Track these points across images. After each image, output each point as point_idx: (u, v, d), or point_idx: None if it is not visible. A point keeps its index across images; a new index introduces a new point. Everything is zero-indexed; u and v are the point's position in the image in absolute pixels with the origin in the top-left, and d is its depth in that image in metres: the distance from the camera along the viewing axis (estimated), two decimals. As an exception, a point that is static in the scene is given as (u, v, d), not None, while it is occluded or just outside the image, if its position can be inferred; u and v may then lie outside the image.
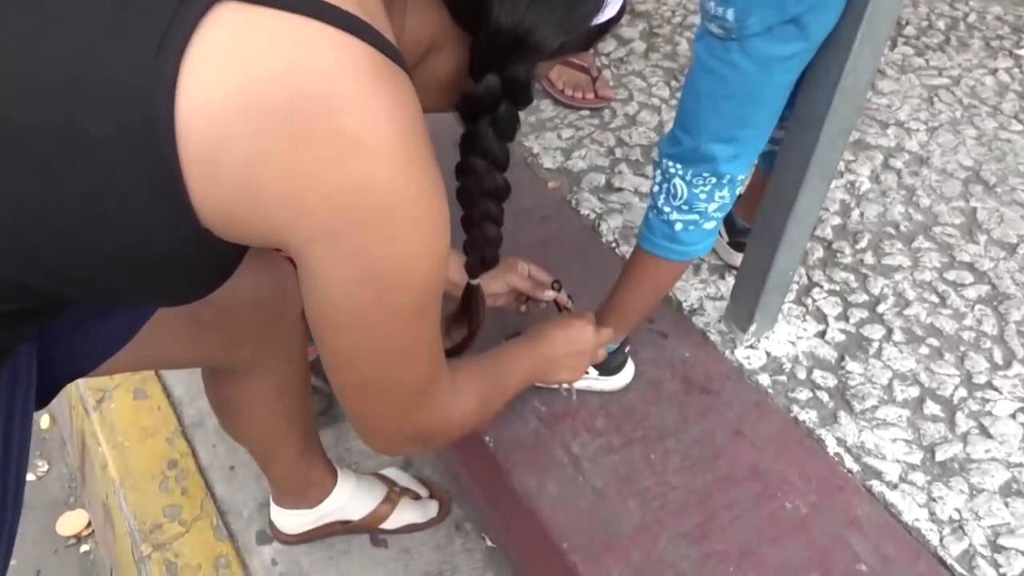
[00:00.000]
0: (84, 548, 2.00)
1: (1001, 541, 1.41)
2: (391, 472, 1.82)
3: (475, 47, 0.86)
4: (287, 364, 1.39)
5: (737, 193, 1.32)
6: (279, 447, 1.53)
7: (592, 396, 1.60)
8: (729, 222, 1.82)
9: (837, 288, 1.84)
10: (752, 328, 1.66)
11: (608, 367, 1.57)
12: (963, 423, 1.58)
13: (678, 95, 2.38)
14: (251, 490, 1.85)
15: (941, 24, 2.76)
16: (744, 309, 1.65)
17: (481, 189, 0.96)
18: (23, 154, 0.70)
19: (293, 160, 0.69)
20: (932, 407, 1.61)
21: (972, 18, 2.80)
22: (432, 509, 1.77)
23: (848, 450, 1.52)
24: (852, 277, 1.87)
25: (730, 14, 1.11)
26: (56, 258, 0.76)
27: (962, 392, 1.64)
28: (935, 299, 1.82)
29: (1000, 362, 1.69)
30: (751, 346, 1.70)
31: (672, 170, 1.29)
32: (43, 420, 2.28)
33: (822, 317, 1.78)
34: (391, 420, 0.95)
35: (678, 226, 1.33)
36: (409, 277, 0.79)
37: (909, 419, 1.58)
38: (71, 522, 2.04)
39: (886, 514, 1.44)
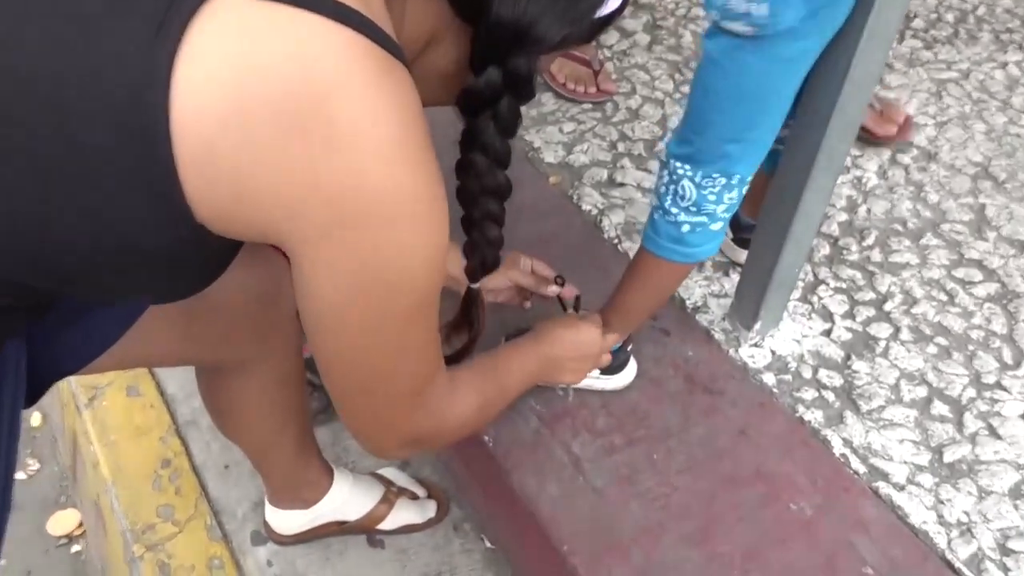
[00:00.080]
0: (75, 548, 2.00)
1: (1011, 544, 1.40)
2: (388, 472, 1.82)
3: (476, 40, 0.85)
4: (282, 361, 1.38)
5: (744, 193, 1.32)
6: (274, 446, 1.53)
7: (593, 395, 1.59)
8: (734, 219, 1.81)
9: (843, 286, 1.84)
10: (757, 326, 1.66)
11: (610, 366, 1.56)
12: (972, 424, 1.58)
13: (682, 89, 2.39)
14: (246, 490, 1.85)
15: (950, 17, 2.76)
16: (749, 307, 1.65)
17: (482, 187, 0.95)
18: (18, 154, 0.70)
19: (289, 157, 0.69)
20: (940, 407, 1.60)
21: (981, 11, 2.80)
22: (430, 509, 1.77)
23: (854, 451, 1.52)
24: (859, 274, 1.86)
25: (764, 9, 1.09)
26: (52, 257, 0.76)
27: (971, 392, 1.63)
28: (943, 297, 1.82)
29: (1010, 361, 1.69)
30: (756, 344, 1.69)
31: (680, 171, 1.28)
32: (34, 418, 2.28)
33: (828, 315, 1.77)
34: (387, 423, 0.95)
35: (685, 228, 1.32)
36: (407, 278, 0.79)
37: (916, 419, 1.58)
38: (62, 522, 2.04)
39: (893, 516, 1.44)
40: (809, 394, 1.61)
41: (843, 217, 2.01)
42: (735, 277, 1.80)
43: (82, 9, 0.68)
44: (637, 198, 2.02)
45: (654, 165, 2.12)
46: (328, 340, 0.85)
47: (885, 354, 1.69)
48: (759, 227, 1.55)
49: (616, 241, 1.92)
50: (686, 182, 1.28)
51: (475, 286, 1.24)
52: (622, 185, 2.07)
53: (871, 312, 1.78)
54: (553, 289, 1.48)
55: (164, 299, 0.97)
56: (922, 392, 1.63)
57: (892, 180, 2.12)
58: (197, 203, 0.71)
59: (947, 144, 2.23)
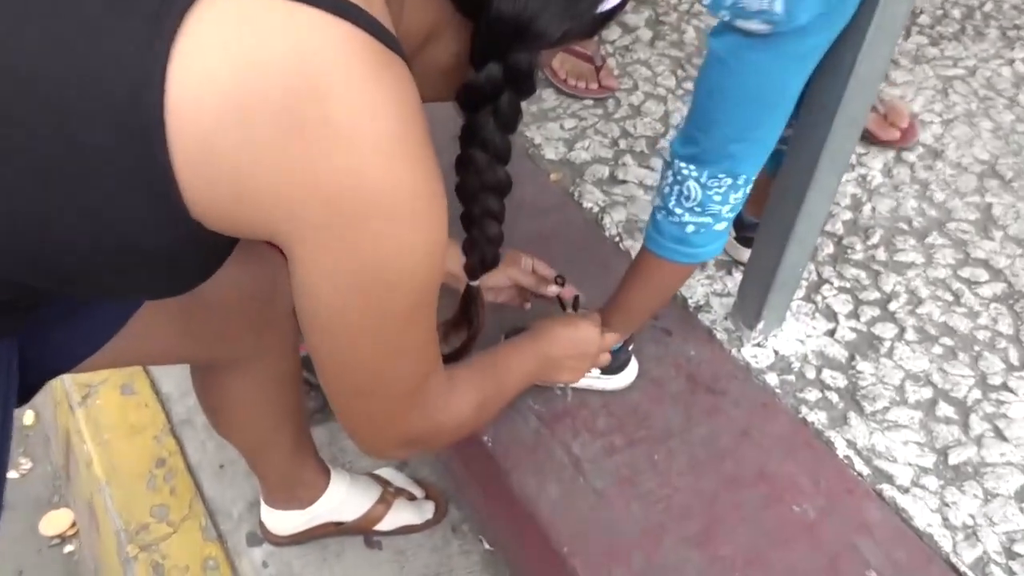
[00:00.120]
0: (68, 548, 2.00)
1: (1016, 548, 1.40)
2: (386, 472, 1.81)
3: (476, 35, 0.85)
4: (278, 359, 1.38)
5: (749, 193, 1.31)
6: (270, 446, 1.53)
7: (594, 395, 1.59)
8: (736, 217, 1.82)
9: (848, 285, 1.84)
10: (760, 326, 1.65)
11: (611, 365, 1.56)
12: (977, 425, 1.57)
13: (685, 85, 2.39)
14: (241, 490, 1.85)
15: (956, 13, 2.75)
16: (751, 306, 1.64)
17: (482, 183, 0.95)
18: (18, 154, 0.70)
19: (285, 152, 0.69)
20: (945, 409, 1.60)
21: (988, 7, 2.79)
22: (428, 510, 1.77)
23: (858, 452, 1.52)
24: (863, 274, 1.86)
25: (779, 6, 1.08)
26: (52, 257, 0.76)
27: (976, 393, 1.63)
28: (949, 297, 1.82)
29: (1016, 363, 1.69)
30: (758, 344, 1.69)
31: (685, 171, 1.27)
32: (27, 416, 2.28)
33: (832, 315, 1.77)
34: (384, 423, 0.95)
35: (690, 228, 1.32)
36: (406, 276, 0.79)
37: (921, 421, 1.58)
38: (55, 522, 2.03)
39: (897, 519, 1.44)
40: (812, 395, 1.61)
41: (847, 216, 2.01)
42: (738, 276, 1.80)
43: (82, 8, 0.68)
44: (639, 195, 2.02)
45: (656, 162, 2.11)
46: (325, 339, 0.84)
47: (890, 355, 1.69)
48: (762, 225, 1.55)
49: (617, 239, 1.92)
50: (691, 183, 1.27)
51: (474, 284, 1.23)
52: (624, 182, 2.06)
53: (876, 312, 1.78)
54: (553, 289, 1.48)
55: (158, 295, 0.97)
56: (927, 393, 1.63)
57: (897, 178, 2.12)
58: (193, 202, 0.71)
59: (953, 142, 2.23)
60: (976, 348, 1.71)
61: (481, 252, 1.07)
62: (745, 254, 1.74)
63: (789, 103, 1.21)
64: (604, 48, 2.50)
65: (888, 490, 1.47)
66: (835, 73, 1.25)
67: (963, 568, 1.38)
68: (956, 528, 1.43)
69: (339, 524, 1.70)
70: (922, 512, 1.44)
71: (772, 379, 1.64)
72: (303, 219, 0.72)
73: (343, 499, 1.68)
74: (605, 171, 2.10)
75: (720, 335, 1.71)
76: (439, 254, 0.80)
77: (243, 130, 0.68)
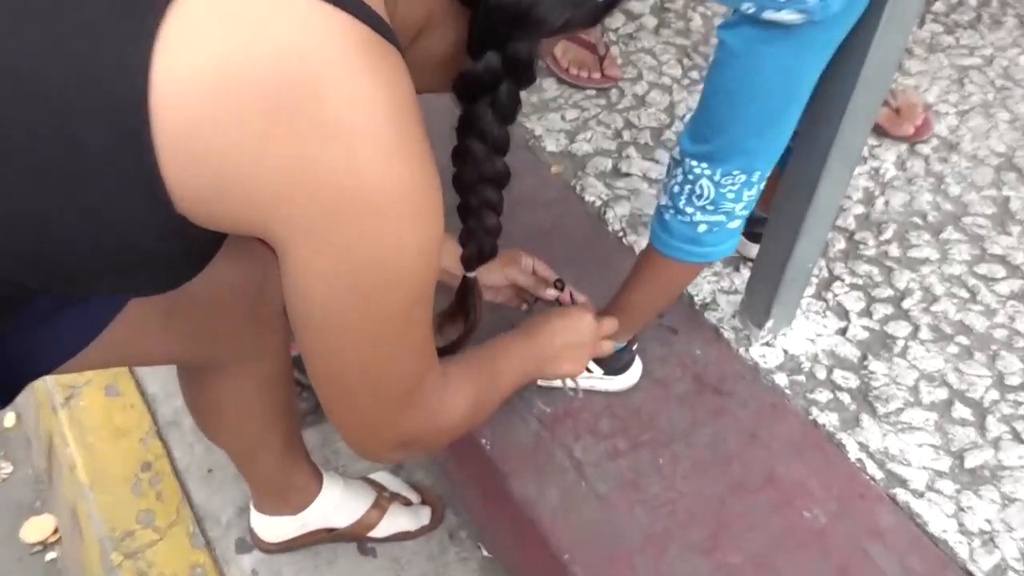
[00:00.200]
0: (50, 556, 1.99)
1: (1034, 554, 1.41)
2: (381, 476, 1.81)
3: (474, 23, 0.85)
4: (268, 359, 1.38)
5: (763, 190, 1.31)
6: (260, 449, 1.53)
7: (596, 397, 1.59)
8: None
9: (860, 282, 1.84)
10: (768, 324, 1.65)
11: (614, 366, 1.56)
12: (994, 427, 1.57)
13: (691, 74, 2.39)
14: (230, 495, 1.85)
15: (972, 0, 2.75)
16: (760, 304, 1.64)
17: (479, 175, 0.95)
18: (18, 154, 0.70)
19: (274, 145, 0.68)
20: (961, 410, 1.60)
21: (1006, -7, 2.79)
22: (424, 516, 1.77)
23: (871, 456, 1.52)
24: (876, 270, 1.86)
25: None
26: (52, 257, 0.77)
27: (993, 394, 1.63)
28: (965, 294, 1.82)
29: (1034, 362, 1.69)
30: (767, 343, 1.69)
31: (698, 170, 1.27)
32: (7, 418, 2.27)
33: (843, 313, 1.77)
34: (378, 424, 0.95)
35: (702, 228, 1.32)
36: (399, 274, 0.79)
37: (936, 423, 1.58)
38: (37, 528, 2.03)
39: (911, 525, 1.44)
40: (823, 396, 1.61)
41: (859, 210, 2.01)
42: (746, 273, 1.80)
43: (83, 8, 0.68)
44: (643, 189, 2.02)
45: (661, 155, 2.11)
46: (317, 339, 0.84)
47: (903, 354, 1.69)
48: (771, 220, 1.55)
49: (621, 234, 1.91)
50: (704, 181, 1.27)
51: (471, 275, 1.23)
52: (627, 175, 2.06)
53: (889, 310, 1.78)
54: (552, 293, 1.48)
55: (143, 293, 0.97)
56: (942, 394, 1.63)
57: (911, 171, 2.11)
58: (179, 197, 0.71)
59: (969, 134, 2.23)
60: (993, 347, 1.71)
61: (479, 243, 1.07)
62: (753, 250, 1.74)
63: (806, 96, 1.21)
64: (607, 36, 2.50)
65: (902, 495, 1.47)
66: (847, 62, 1.25)
67: (979, 576, 1.38)
68: (973, 534, 1.43)
69: (332, 530, 1.70)
70: (937, 517, 1.44)
71: (781, 380, 1.64)
72: (295, 217, 0.72)
73: (336, 504, 1.68)
74: (608, 163, 2.10)
75: (727, 334, 1.71)
76: (436, 250, 0.80)
77: (230, 125, 0.68)
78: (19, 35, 0.68)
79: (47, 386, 2.08)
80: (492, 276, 1.44)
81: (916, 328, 1.74)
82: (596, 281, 1.58)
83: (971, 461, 1.52)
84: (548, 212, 1.96)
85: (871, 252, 1.90)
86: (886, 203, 2.03)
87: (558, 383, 1.55)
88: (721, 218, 1.30)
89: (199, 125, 0.68)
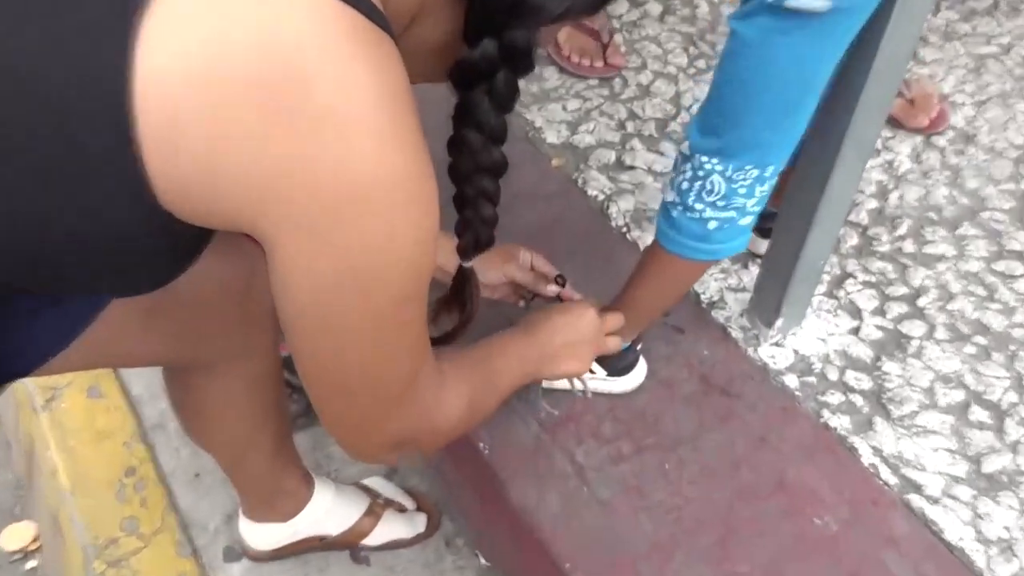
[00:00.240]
0: (30, 564, 1.99)
1: (1055, 563, 1.40)
2: (374, 482, 1.81)
3: (470, 10, 0.85)
4: (257, 359, 1.38)
5: (775, 185, 1.31)
6: (249, 453, 1.52)
7: (599, 399, 1.59)
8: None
9: (873, 279, 1.83)
10: (778, 323, 1.65)
11: (617, 366, 1.56)
12: (1013, 431, 1.57)
13: (697, 63, 2.39)
14: (218, 501, 1.84)
15: (990, -14, 2.76)
16: (769, 302, 1.64)
17: (476, 165, 0.95)
18: (17, 155, 0.70)
19: (261, 136, 0.68)
20: (979, 413, 1.60)
21: (1025, -21, 2.79)
22: (420, 523, 1.77)
23: (884, 460, 1.52)
24: (890, 267, 1.86)
25: None
26: (18, 250, 0.76)
27: (1012, 396, 1.63)
28: (982, 292, 1.81)
29: (1054, 363, 1.69)
30: (777, 343, 1.69)
31: (708, 165, 1.26)
32: (-14, 421, 2.28)
33: (856, 312, 1.77)
34: (372, 424, 0.95)
35: (712, 224, 1.31)
36: (393, 268, 0.78)
37: (953, 426, 1.58)
38: (16, 535, 2.03)
39: (927, 532, 1.44)
40: (835, 398, 1.61)
41: (873, 204, 2.01)
42: (755, 270, 1.79)
43: (83, 8, 0.68)
44: (647, 182, 2.02)
45: (666, 147, 2.11)
46: (307, 338, 0.84)
47: (919, 354, 1.69)
48: (781, 215, 1.55)
49: (624, 229, 1.91)
50: (715, 176, 1.26)
51: (468, 265, 1.22)
52: (631, 168, 2.06)
53: (903, 308, 1.78)
54: (552, 289, 1.47)
55: (125, 293, 0.96)
56: (959, 396, 1.63)
57: (927, 164, 2.11)
58: (164, 191, 0.71)
59: (986, 125, 2.23)
60: (1012, 347, 1.71)
61: (475, 233, 1.07)
62: (763, 246, 1.74)
63: (822, 87, 1.21)
64: (611, 23, 2.50)
65: (917, 501, 1.47)
66: (859, 51, 1.24)
67: (998, 585, 1.38)
68: (990, 542, 1.42)
69: (323, 538, 1.70)
70: (953, 525, 1.44)
71: (791, 381, 1.63)
72: (283, 211, 0.72)
73: (328, 511, 1.67)
74: (611, 156, 2.09)
75: (735, 333, 1.71)
76: (430, 243, 0.80)
77: (216, 118, 0.67)
78: (19, 35, 0.68)
79: (27, 388, 2.08)
80: (490, 274, 1.44)
81: (932, 327, 1.74)
82: (598, 278, 1.58)
83: (989, 466, 1.52)
84: (549, 206, 1.95)
85: (885, 248, 1.90)
86: (900, 197, 2.02)
87: (564, 384, 1.55)
88: (732, 214, 1.30)
89: (183, 118, 0.67)
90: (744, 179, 1.25)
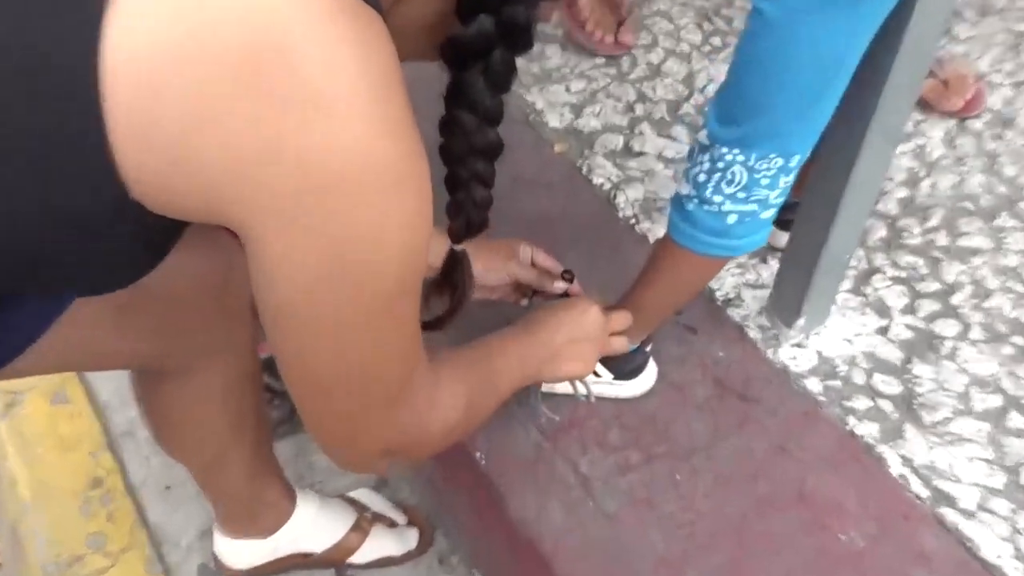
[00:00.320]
0: (-11, 583, 2.00)
1: (1099, 582, 1.41)
2: (362, 494, 1.81)
3: None
4: (234, 360, 1.38)
5: (798, 176, 1.30)
6: (225, 463, 1.52)
7: (605, 404, 1.59)
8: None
9: (903, 275, 1.84)
10: (800, 322, 1.65)
11: (625, 369, 1.56)
12: (1054, 439, 1.58)
13: (712, 40, 2.39)
14: (192, 515, 1.85)
15: (1030, -44, 2.75)
16: (790, 299, 1.64)
17: (469, 146, 0.95)
18: (17, 154, 0.70)
19: (240, 118, 0.68)
20: (1017, 419, 1.60)
21: (1068, -51, 2.79)
22: (411, 539, 1.77)
23: (915, 471, 1.52)
24: (921, 261, 1.86)
25: None
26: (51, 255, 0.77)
27: (1053, 401, 1.63)
28: (1021, 289, 1.81)
29: (1099, 366, 1.69)
30: (798, 344, 1.69)
31: (729, 156, 1.26)
32: (-59, 429, 2.28)
33: (884, 310, 1.77)
34: (362, 430, 0.95)
35: (732, 218, 1.31)
36: (386, 259, 0.79)
37: (990, 434, 1.58)
38: (-26, 552, 2.04)
39: (960, 549, 1.44)
40: (861, 403, 1.61)
41: (903, 193, 2.01)
42: (774, 264, 1.79)
43: None
44: (658, 170, 2.02)
45: (678, 131, 2.11)
46: (291, 337, 0.84)
47: (952, 356, 1.69)
48: (803, 205, 1.55)
49: (632, 221, 1.91)
50: (737, 167, 1.26)
51: (459, 247, 1.22)
52: (640, 155, 2.06)
53: (936, 306, 1.78)
54: (560, 285, 1.47)
55: (85, 291, 0.96)
56: (996, 401, 1.63)
57: (961, 150, 2.11)
58: (133, 180, 0.71)
59: (1026, 107, 2.23)
60: (1053, 348, 1.71)
61: (467, 216, 1.07)
62: (783, 239, 1.74)
63: (852, 68, 1.20)
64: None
65: (950, 515, 1.47)
66: (887, 28, 1.24)
67: (1037, 606, 1.38)
68: (1029, 559, 1.43)
69: (307, 555, 1.70)
70: (989, 541, 1.44)
71: (814, 385, 1.64)
72: (265, 200, 0.72)
73: (311, 526, 1.67)
74: (618, 141, 2.10)
75: (753, 333, 1.71)
76: (423, 232, 0.80)
77: (190, 97, 0.67)
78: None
79: (-15, 392, 2.08)
80: (490, 275, 1.43)
81: (966, 327, 1.74)
82: (604, 274, 1.58)
83: (1028, 477, 1.52)
84: (550, 196, 1.95)
85: (916, 241, 1.90)
86: (932, 186, 2.02)
87: (566, 388, 1.55)
88: (753, 207, 1.29)
89: (155, 98, 0.67)
90: (768, 169, 1.25)
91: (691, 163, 1.31)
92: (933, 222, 1.94)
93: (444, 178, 1.00)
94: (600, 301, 1.37)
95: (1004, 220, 1.94)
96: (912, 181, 2.04)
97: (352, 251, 0.76)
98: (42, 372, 1.16)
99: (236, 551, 1.68)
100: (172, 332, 1.26)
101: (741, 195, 1.27)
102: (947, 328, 1.73)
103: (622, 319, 1.40)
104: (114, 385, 2.07)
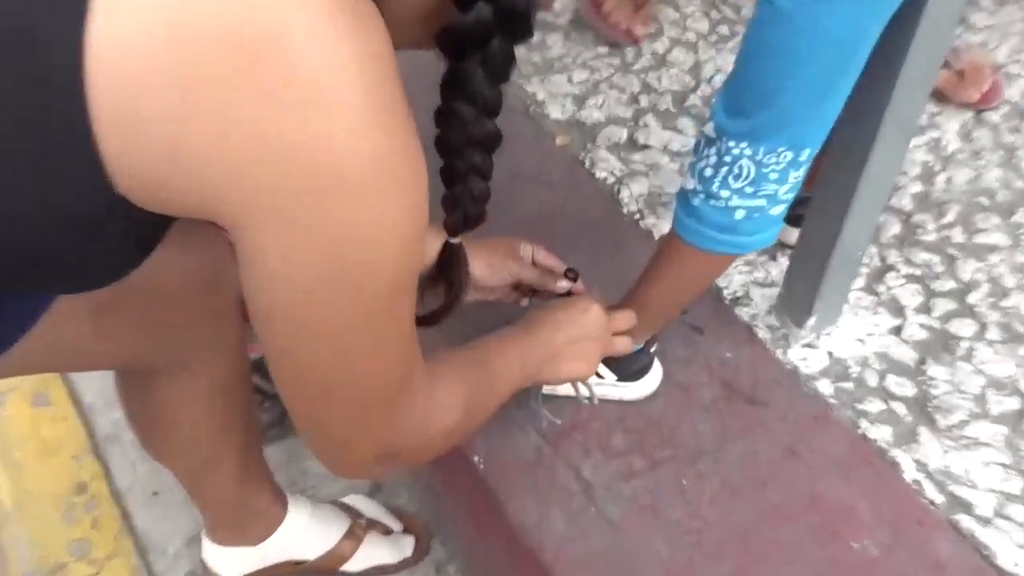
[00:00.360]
0: (-31, 592, 2.00)
1: (1120, 591, 1.41)
2: (355, 500, 1.81)
3: None
4: (222, 362, 1.38)
5: (809, 170, 1.30)
6: (213, 468, 1.52)
7: (609, 407, 1.59)
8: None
9: (917, 272, 1.84)
10: (810, 322, 1.65)
11: (629, 370, 1.56)
12: (1074, 443, 1.58)
13: (719, 29, 2.39)
14: (179, 521, 1.85)
15: (1050, -59, 2.75)
16: (801, 298, 1.65)
17: (466, 138, 0.95)
18: (18, 154, 0.70)
19: (231, 112, 0.68)
20: (1035, 423, 1.60)
21: (1090, -66, 2.79)
22: (407, 547, 1.77)
23: (930, 476, 1.52)
24: (936, 259, 1.86)
25: None
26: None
27: (1073, 404, 1.63)
28: (1040, 287, 1.82)
29: (1121, 367, 1.69)
30: (809, 345, 1.69)
31: (737, 150, 1.26)
32: (-81, 432, 2.28)
33: (898, 309, 1.77)
34: (357, 435, 0.95)
35: (739, 214, 1.31)
36: (383, 258, 0.79)
37: (1007, 438, 1.58)
38: (-47, 559, 2.04)
39: (977, 557, 1.44)
40: (874, 406, 1.61)
41: (917, 188, 2.01)
42: (784, 261, 1.80)
43: None
44: (663, 163, 2.02)
45: (684, 123, 2.11)
46: (283, 338, 0.84)
47: (968, 357, 1.69)
48: (815, 201, 1.55)
49: (637, 216, 1.91)
50: (744, 161, 1.26)
51: (455, 240, 1.23)
52: (645, 148, 2.06)
53: (951, 305, 1.78)
54: (563, 285, 1.46)
55: (69, 289, 0.96)
56: (1014, 404, 1.63)
57: (977, 143, 2.11)
58: (115, 161, 0.70)
59: (1046, 98, 2.23)
60: (1073, 349, 1.72)
61: (464, 209, 1.07)
62: (794, 235, 1.74)
63: (864, 58, 1.20)
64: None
65: (966, 521, 1.47)
66: (901, 16, 1.24)
67: (1056, 616, 1.38)
68: (1048, 568, 1.43)
69: (298, 563, 1.70)
70: (1006, 548, 1.44)
71: (825, 387, 1.64)
72: (249, 188, 0.72)
73: (303, 533, 1.67)
74: (622, 134, 2.10)
75: (762, 333, 1.71)
76: (418, 228, 0.80)
77: (178, 88, 0.67)
78: None
79: (-36, 394, 2.08)
80: (492, 276, 1.43)
81: (983, 327, 1.74)
82: (608, 272, 1.58)
83: (1047, 482, 1.53)
84: (552, 191, 1.95)
85: (931, 237, 1.90)
86: (948, 180, 2.02)
87: (567, 390, 1.55)
88: (761, 203, 1.29)
89: (142, 86, 0.67)
90: (776, 163, 1.25)
91: (697, 157, 1.31)
92: (949, 218, 1.94)
93: (440, 170, 1.00)
94: (602, 299, 1.37)
95: (1022, 216, 1.94)
96: (927, 175, 2.04)
97: (352, 250, 0.76)
98: (24, 373, 1.16)
99: (225, 559, 1.68)
100: (157, 330, 1.26)
101: (749, 190, 1.27)
102: (963, 328, 1.74)
103: (625, 318, 1.40)
104: (98, 387, 2.06)
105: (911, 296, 1.79)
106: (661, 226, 1.86)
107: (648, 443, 1.56)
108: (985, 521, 1.47)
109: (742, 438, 1.57)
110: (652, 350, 1.57)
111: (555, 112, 2.15)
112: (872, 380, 1.65)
